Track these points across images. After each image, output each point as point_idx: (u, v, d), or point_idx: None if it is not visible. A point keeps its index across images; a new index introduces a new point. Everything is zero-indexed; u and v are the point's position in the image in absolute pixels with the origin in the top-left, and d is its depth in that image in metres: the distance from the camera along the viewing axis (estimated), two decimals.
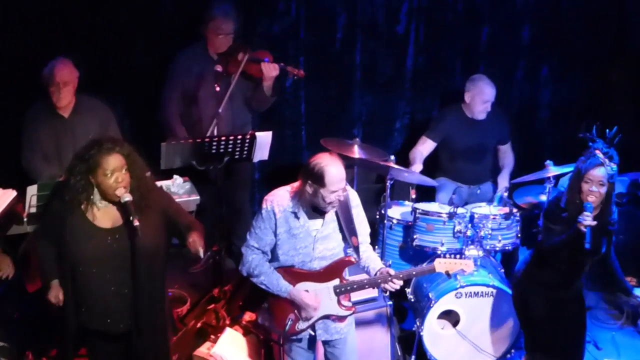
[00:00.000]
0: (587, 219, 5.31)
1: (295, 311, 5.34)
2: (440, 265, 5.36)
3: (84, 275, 4.95)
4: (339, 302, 5.36)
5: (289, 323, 5.35)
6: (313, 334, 5.46)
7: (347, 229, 5.29)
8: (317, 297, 5.28)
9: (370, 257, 5.40)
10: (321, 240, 5.27)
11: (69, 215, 4.93)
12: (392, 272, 5.23)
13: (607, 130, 6.72)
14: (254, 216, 5.44)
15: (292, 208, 5.22)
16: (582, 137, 5.85)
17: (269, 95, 6.95)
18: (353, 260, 5.33)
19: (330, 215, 5.26)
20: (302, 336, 5.46)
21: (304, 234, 5.24)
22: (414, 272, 5.59)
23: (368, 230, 5.48)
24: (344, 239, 5.32)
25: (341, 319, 5.44)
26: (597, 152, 5.50)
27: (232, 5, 6.94)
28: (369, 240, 5.48)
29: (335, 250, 5.32)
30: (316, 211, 5.22)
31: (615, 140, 6.26)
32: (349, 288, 5.35)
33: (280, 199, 5.25)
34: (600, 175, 5.42)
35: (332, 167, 5.03)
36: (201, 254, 5.22)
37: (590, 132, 6.06)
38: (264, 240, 5.28)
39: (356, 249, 5.31)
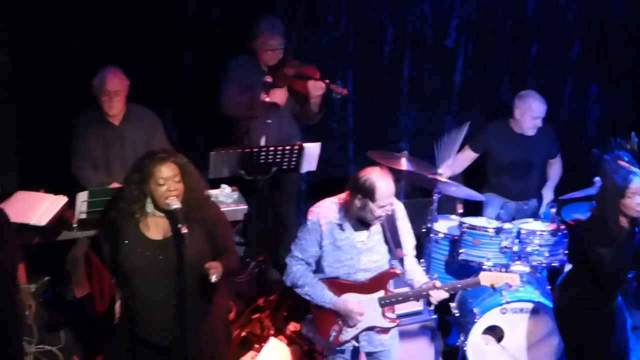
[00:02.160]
0: None
1: (340, 322, 5.32)
2: (486, 278, 5.31)
3: (136, 286, 4.99)
4: (383, 314, 5.33)
5: (333, 334, 5.35)
6: (357, 345, 5.43)
7: (393, 240, 5.27)
8: (362, 306, 5.27)
9: (414, 271, 5.38)
10: (366, 252, 5.25)
11: (123, 224, 4.98)
12: (438, 284, 5.21)
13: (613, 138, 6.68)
14: (300, 227, 5.45)
15: (337, 220, 5.21)
16: (597, 154, 5.80)
17: (315, 112, 6.96)
18: (398, 272, 5.30)
19: (376, 227, 5.24)
20: (345, 347, 5.44)
21: (349, 245, 5.22)
22: (459, 285, 5.54)
23: (413, 242, 5.45)
24: (389, 250, 5.29)
25: (385, 331, 5.41)
26: (621, 162, 5.39)
27: (280, 20, 6.96)
28: (414, 252, 5.45)
29: (380, 262, 5.29)
30: (362, 223, 5.20)
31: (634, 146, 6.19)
32: (393, 300, 5.32)
33: (325, 210, 5.25)
34: None
35: (382, 181, 5.02)
36: (212, 278, 5.02)
37: (605, 147, 6.00)
38: (308, 251, 5.27)
39: (401, 261, 5.29)
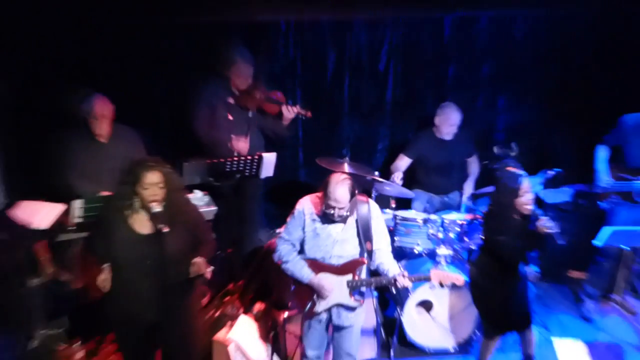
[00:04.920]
0: (549, 222, 5.48)
1: (314, 297, 5.48)
2: (436, 276, 5.50)
3: (125, 273, 5.09)
4: (350, 294, 5.49)
5: (308, 306, 5.51)
6: (328, 317, 5.61)
7: (364, 235, 5.43)
8: (332, 284, 5.42)
9: (388, 263, 5.50)
10: (340, 242, 5.43)
11: (115, 219, 5.06)
12: (406, 274, 5.38)
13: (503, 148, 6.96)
14: (260, 225, 5.61)
15: (319, 212, 5.41)
16: (488, 163, 6.05)
17: (286, 131, 7.15)
18: (365, 261, 5.44)
19: (351, 222, 5.42)
20: (321, 317, 5.60)
21: (326, 235, 5.41)
22: (413, 279, 5.49)
23: (387, 239, 5.61)
24: (360, 243, 5.46)
25: (351, 309, 5.57)
26: (510, 168, 5.60)
27: (250, 51, 7.04)
28: (389, 249, 5.60)
29: (352, 252, 5.47)
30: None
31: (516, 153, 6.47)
32: (359, 284, 5.47)
33: (309, 203, 5.45)
34: (529, 185, 5.53)
35: (334, 185, 5.25)
36: (207, 274, 5.30)
37: (495, 154, 6.27)
38: (293, 234, 5.46)
39: (369, 253, 5.44)
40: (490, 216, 5.77)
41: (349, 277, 5.49)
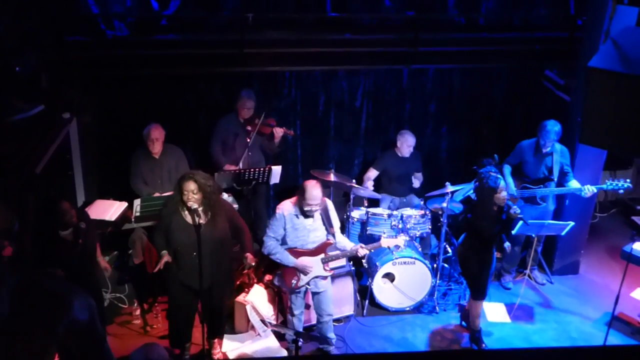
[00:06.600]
0: (518, 209, 5.48)
1: (297, 274, 5.43)
2: (384, 242, 5.54)
3: (181, 253, 5.10)
4: (324, 268, 5.47)
5: (294, 282, 5.48)
6: (308, 287, 5.54)
7: (327, 223, 5.43)
8: (311, 263, 5.39)
9: (342, 241, 5.52)
10: (313, 232, 5.38)
11: (172, 217, 5.08)
12: (363, 245, 5.43)
13: (488, 159, 6.83)
14: (270, 218, 5.57)
15: (294, 212, 5.32)
16: (476, 168, 5.96)
17: (277, 147, 7.01)
18: (331, 242, 5.45)
19: (317, 216, 5.38)
20: (301, 290, 5.56)
21: (302, 227, 5.34)
22: (369, 248, 5.58)
23: (339, 224, 5.59)
24: (326, 229, 5.43)
25: (325, 278, 5.54)
26: (492, 173, 5.55)
27: (253, 90, 6.99)
28: (339, 231, 5.59)
29: (322, 237, 5.44)
30: (309, 213, 5.32)
31: (497, 162, 6.40)
32: (330, 258, 5.48)
33: (286, 206, 5.37)
34: (504, 185, 5.50)
35: (310, 188, 5.20)
36: (252, 263, 5.37)
37: (482, 162, 6.19)
38: (277, 232, 5.37)
39: (333, 235, 5.46)
40: (475, 207, 5.72)
41: (322, 255, 5.49)
